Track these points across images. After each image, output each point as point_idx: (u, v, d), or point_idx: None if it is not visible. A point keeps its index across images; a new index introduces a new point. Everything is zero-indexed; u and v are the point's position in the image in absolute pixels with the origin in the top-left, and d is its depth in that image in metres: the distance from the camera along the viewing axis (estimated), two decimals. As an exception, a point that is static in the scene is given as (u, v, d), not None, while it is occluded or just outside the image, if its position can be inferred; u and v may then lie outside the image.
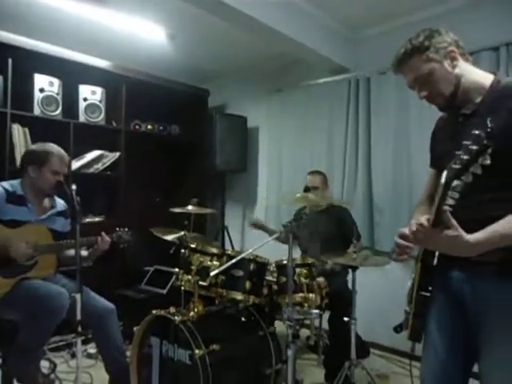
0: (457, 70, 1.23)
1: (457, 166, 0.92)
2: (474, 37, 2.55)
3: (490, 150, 0.89)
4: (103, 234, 2.23)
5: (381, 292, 3.09)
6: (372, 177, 3.20)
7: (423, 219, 1.04)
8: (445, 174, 0.94)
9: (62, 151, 2.20)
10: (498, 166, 0.92)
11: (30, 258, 2.02)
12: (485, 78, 1.23)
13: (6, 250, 1.93)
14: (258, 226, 3.01)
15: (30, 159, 2.13)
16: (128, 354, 2.20)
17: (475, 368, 1.26)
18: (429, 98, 1.27)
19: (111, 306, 2.22)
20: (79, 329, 1.74)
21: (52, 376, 2.31)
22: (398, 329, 1.37)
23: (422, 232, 1.04)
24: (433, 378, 1.32)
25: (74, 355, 2.78)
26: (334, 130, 3.43)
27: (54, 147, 2.17)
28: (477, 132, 0.90)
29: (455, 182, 0.94)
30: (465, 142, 0.92)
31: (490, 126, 0.89)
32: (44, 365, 2.33)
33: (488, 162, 0.90)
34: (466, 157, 0.91)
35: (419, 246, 1.23)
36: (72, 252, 2.25)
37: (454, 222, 1.00)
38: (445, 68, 1.22)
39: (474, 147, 0.90)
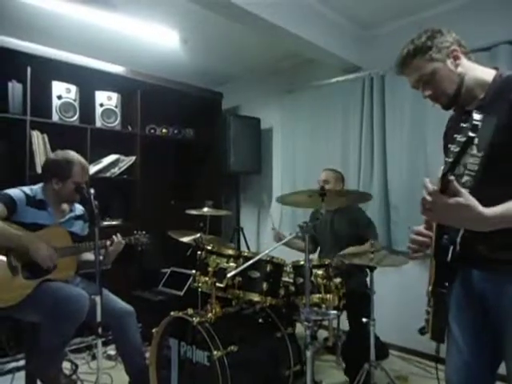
0: (460, 69, 1.24)
1: (450, 160, 0.94)
2: (490, 31, 2.51)
3: (476, 141, 0.91)
4: (117, 235, 2.27)
5: (399, 292, 3.05)
6: (388, 176, 3.17)
7: (431, 186, 1.00)
8: (442, 167, 0.96)
9: (83, 160, 2.23)
10: (504, 159, 0.93)
11: (54, 262, 2.06)
12: (487, 73, 1.23)
13: (26, 254, 1.98)
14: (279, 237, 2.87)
15: (54, 171, 2.16)
16: (147, 355, 2.22)
17: (502, 370, 1.23)
18: (432, 97, 1.28)
19: (130, 308, 2.25)
20: (99, 331, 1.77)
21: (74, 377, 2.35)
22: (422, 330, 1.35)
23: (433, 198, 0.98)
24: (459, 380, 1.29)
25: (94, 357, 2.83)
26: (349, 129, 3.41)
27: (75, 157, 2.20)
28: (465, 125, 0.92)
29: (451, 177, 0.94)
30: (455, 136, 0.94)
31: (474, 118, 0.90)
32: (66, 366, 2.38)
33: (475, 151, 0.93)
34: (457, 149, 0.92)
35: (429, 218, 1.16)
36: (88, 256, 2.30)
37: (463, 190, 0.97)
38: (448, 67, 1.23)
39: (462, 139, 0.91)
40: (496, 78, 1.20)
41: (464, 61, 1.25)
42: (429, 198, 1.00)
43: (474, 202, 0.97)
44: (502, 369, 1.24)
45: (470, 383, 1.27)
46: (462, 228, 1.05)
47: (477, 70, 1.25)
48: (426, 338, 1.27)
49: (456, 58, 1.24)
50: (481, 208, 0.98)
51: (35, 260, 1.97)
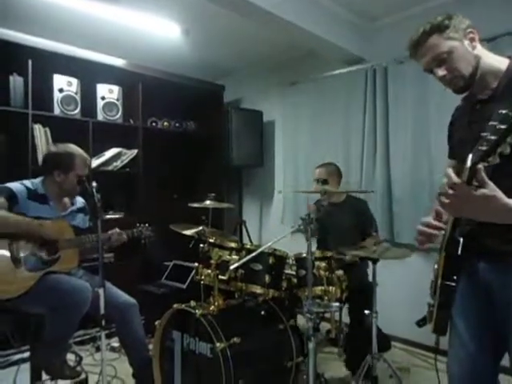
0: (476, 52, 1.20)
1: (484, 148, 0.90)
2: (494, 21, 2.48)
3: None
4: (116, 230, 2.28)
5: (402, 285, 3.05)
6: (391, 168, 3.15)
7: (456, 178, 0.96)
8: (470, 157, 0.92)
9: (84, 153, 2.25)
10: None
11: (54, 252, 2.07)
12: (501, 62, 1.20)
13: (34, 239, 2.01)
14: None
15: (55, 164, 2.17)
16: (150, 347, 2.24)
17: (504, 362, 1.23)
18: (446, 78, 1.22)
19: (133, 300, 2.26)
20: (103, 323, 1.78)
21: (78, 368, 2.37)
22: (420, 323, 1.34)
23: (457, 190, 0.96)
24: (462, 372, 1.29)
25: (98, 349, 2.85)
26: (351, 121, 3.39)
27: (76, 150, 2.22)
28: (504, 111, 0.87)
29: (480, 166, 0.91)
30: (491, 123, 0.89)
31: None
32: (70, 358, 2.39)
33: None
34: (493, 137, 0.88)
35: (451, 212, 1.13)
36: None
37: (489, 181, 0.94)
38: (465, 47, 1.20)
39: (503, 126, 0.87)
40: (510, 67, 1.17)
41: (479, 46, 1.22)
42: (451, 191, 0.97)
43: (499, 192, 0.95)
44: (505, 360, 1.24)
45: (473, 375, 1.27)
46: (482, 220, 1.02)
47: (490, 56, 1.22)
48: (429, 330, 1.27)
49: (472, 39, 1.21)
50: (506, 199, 0.95)
51: (47, 237, 2.02)
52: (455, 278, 1.18)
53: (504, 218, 0.99)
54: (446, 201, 0.99)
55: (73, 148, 2.22)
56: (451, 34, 1.19)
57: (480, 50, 1.22)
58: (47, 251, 2.06)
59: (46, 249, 2.06)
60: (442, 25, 1.19)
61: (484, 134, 0.90)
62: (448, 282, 1.18)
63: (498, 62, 1.20)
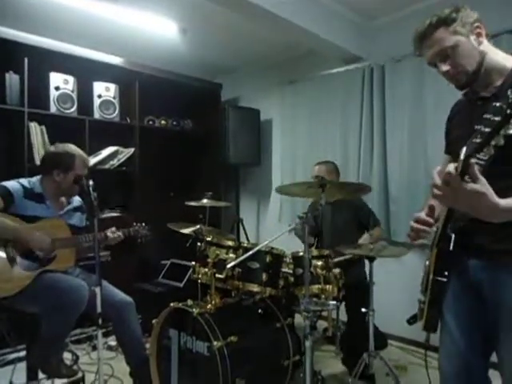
0: (482, 47, 1.18)
1: (478, 140, 0.90)
2: (492, 20, 2.46)
3: None
4: (113, 229, 2.28)
5: (399, 283, 3.05)
6: (388, 166, 3.16)
7: (451, 168, 0.95)
8: (464, 149, 0.91)
9: (83, 153, 2.24)
10: None
11: (50, 251, 2.06)
12: (508, 59, 1.18)
13: (24, 244, 1.98)
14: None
15: (55, 163, 2.16)
16: (147, 346, 2.23)
17: (493, 358, 1.24)
18: (450, 73, 1.20)
19: (130, 299, 2.26)
20: (99, 322, 1.77)
21: (75, 367, 2.36)
22: (411, 320, 1.34)
23: (449, 182, 0.94)
24: (452, 369, 1.30)
25: (95, 347, 2.84)
26: (349, 119, 3.39)
27: (75, 150, 2.21)
28: (498, 104, 0.87)
29: (473, 160, 0.91)
30: (485, 116, 0.89)
31: (511, 96, 0.85)
32: (67, 356, 2.39)
33: (511, 131, 0.86)
34: (487, 129, 0.88)
35: (442, 203, 1.13)
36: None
37: (482, 177, 0.93)
38: (471, 43, 1.17)
39: (497, 118, 0.87)
40: None
41: (485, 41, 1.20)
42: (438, 181, 0.96)
43: (490, 190, 0.94)
44: (494, 357, 1.24)
45: (463, 372, 1.28)
46: (474, 216, 1.01)
47: (497, 53, 1.20)
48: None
49: (479, 35, 1.19)
50: (496, 198, 0.95)
51: (34, 250, 1.98)
52: (446, 273, 1.18)
53: (494, 217, 0.99)
54: (439, 192, 0.98)
55: (72, 148, 2.21)
56: (458, 27, 1.17)
57: (486, 46, 1.19)
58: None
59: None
60: (449, 18, 1.17)
61: (478, 126, 0.90)
62: (439, 278, 1.18)
63: (505, 60, 1.18)
